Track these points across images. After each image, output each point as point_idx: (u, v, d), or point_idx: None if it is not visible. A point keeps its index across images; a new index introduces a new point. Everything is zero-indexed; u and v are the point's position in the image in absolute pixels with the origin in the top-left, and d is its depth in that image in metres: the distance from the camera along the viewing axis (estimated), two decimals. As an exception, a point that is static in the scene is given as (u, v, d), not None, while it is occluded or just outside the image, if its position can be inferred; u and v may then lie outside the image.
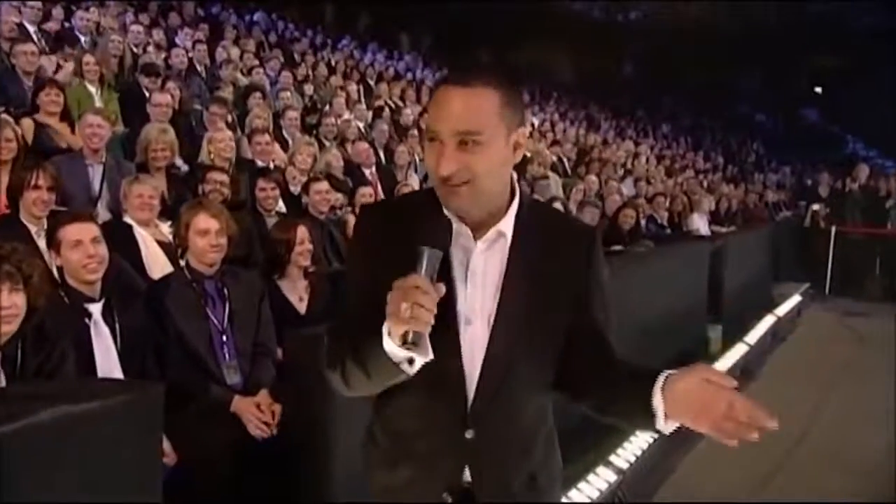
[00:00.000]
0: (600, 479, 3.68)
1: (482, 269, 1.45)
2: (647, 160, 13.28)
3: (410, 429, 1.49)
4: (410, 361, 1.33)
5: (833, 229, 10.09)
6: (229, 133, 5.62)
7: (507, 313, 1.43)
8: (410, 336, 1.30)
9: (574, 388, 1.50)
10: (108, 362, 2.66)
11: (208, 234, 3.20)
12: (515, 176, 1.51)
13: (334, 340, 1.46)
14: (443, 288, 1.33)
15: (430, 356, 1.32)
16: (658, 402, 1.31)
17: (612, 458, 3.89)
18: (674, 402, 1.30)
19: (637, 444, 4.08)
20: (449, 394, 1.44)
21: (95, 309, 2.73)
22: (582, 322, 1.49)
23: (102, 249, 2.73)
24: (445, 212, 1.43)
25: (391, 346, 1.31)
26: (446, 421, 1.45)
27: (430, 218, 1.41)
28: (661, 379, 1.32)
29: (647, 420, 1.33)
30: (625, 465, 3.87)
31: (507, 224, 1.45)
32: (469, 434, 1.45)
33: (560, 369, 1.50)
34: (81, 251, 2.64)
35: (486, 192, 1.39)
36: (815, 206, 10.78)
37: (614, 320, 1.55)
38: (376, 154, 7.61)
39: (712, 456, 4.30)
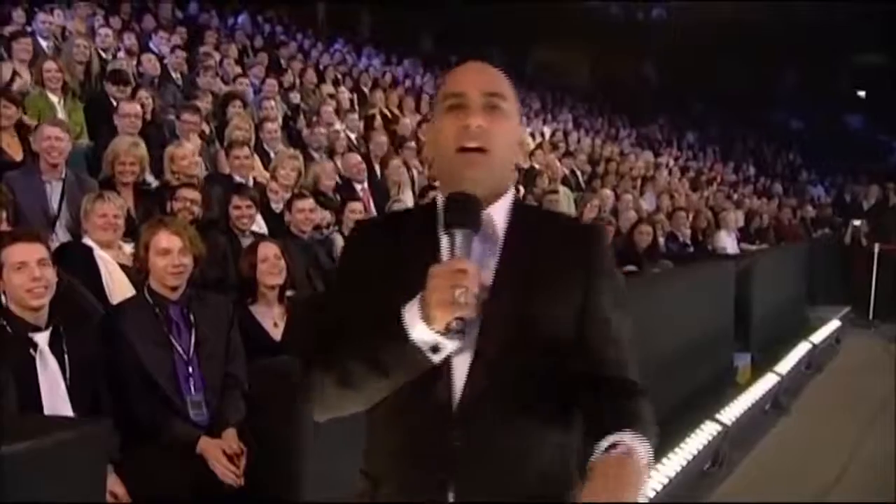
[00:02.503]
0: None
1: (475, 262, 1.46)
2: (670, 172, 13.29)
3: (394, 444, 1.50)
4: (434, 350, 1.37)
5: (876, 247, 10.04)
6: (191, 147, 5.61)
7: (497, 311, 1.43)
8: (455, 324, 1.34)
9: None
10: (55, 397, 2.66)
11: (170, 253, 3.21)
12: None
13: (323, 358, 1.47)
14: (488, 276, 1.42)
15: (461, 342, 1.37)
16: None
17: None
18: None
19: (664, 472, 4.07)
20: (435, 396, 1.44)
21: (41, 338, 2.73)
22: (583, 332, 1.48)
23: (49, 273, 2.73)
24: (440, 205, 1.50)
25: (421, 332, 1.35)
26: (430, 428, 1.45)
27: (418, 221, 1.53)
28: (601, 446, 1.35)
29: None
30: (651, 495, 3.86)
31: (498, 212, 1.50)
32: (456, 441, 1.43)
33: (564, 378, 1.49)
34: (26, 274, 2.65)
35: (499, 167, 1.50)
36: (857, 223, 10.74)
37: (625, 333, 1.52)
38: (370, 168, 7.65)
39: (742, 496, 4.28)
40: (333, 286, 1.64)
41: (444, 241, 1.44)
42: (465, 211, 1.43)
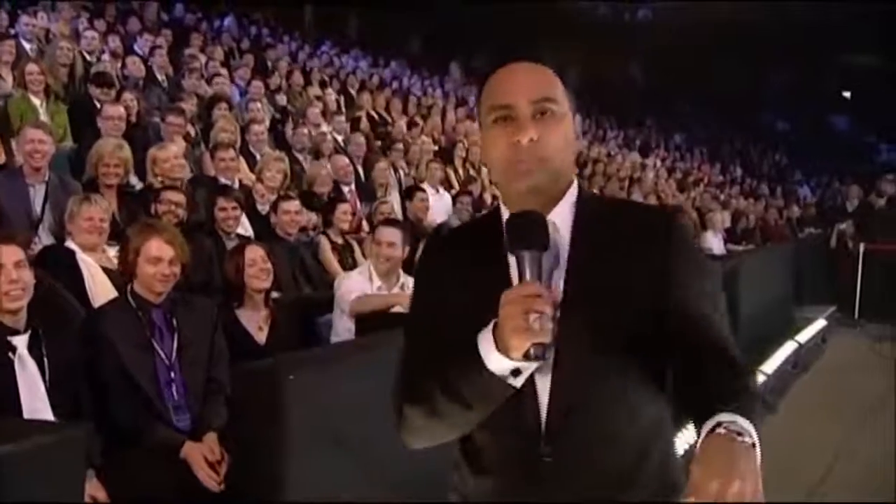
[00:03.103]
0: None
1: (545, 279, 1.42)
2: (657, 173, 13.34)
3: (485, 463, 1.46)
4: (515, 373, 1.33)
5: (861, 247, 10.09)
6: (175, 150, 5.58)
7: (571, 325, 1.36)
8: (533, 351, 1.29)
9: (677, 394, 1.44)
10: (34, 401, 2.64)
11: (160, 262, 3.18)
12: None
13: (409, 390, 1.44)
14: (559, 292, 1.36)
15: (542, 362, 1.32)
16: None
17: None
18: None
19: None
20: (521, 415, 1.40)
21: (20, 342, 2.70)
22: (673, 329, 1.39)
23: (27, 275, 2.71)
24: (504, 216, 1.44)
25: (497, 362, 1.31)
26: (520, 447, 1.41)
27: (484, 236, 1.46)
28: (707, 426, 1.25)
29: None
30: None
31: (560, 215, 1.44)
32: (546, 457, 1.39)
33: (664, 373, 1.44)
34: (2, 277, 2.63)
35: (557, 172, 1.41)
36: (842, 226, 10.77)
37: (718, 317, 1.43)
38: (355, 169, 7.64)
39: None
40: (411, 311, 1.55)
41: (513, 263, 1.38)
42: (530, 231, 1.36)
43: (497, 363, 1.31)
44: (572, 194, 1.46)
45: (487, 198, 8.73)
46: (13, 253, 2.68)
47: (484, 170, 9.91)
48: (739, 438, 1.19)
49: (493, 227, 1.47)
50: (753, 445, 1.21)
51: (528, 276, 1.33)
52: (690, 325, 1.39)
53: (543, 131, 1.38)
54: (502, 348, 1.30)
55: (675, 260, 1.41)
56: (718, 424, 1.21)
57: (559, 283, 1.40)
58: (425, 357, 1.43)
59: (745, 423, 1.22)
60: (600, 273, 1.39)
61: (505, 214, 1.45)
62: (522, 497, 1.41)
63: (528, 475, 1.40)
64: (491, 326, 1.32)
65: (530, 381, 1.37)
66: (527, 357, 1.30)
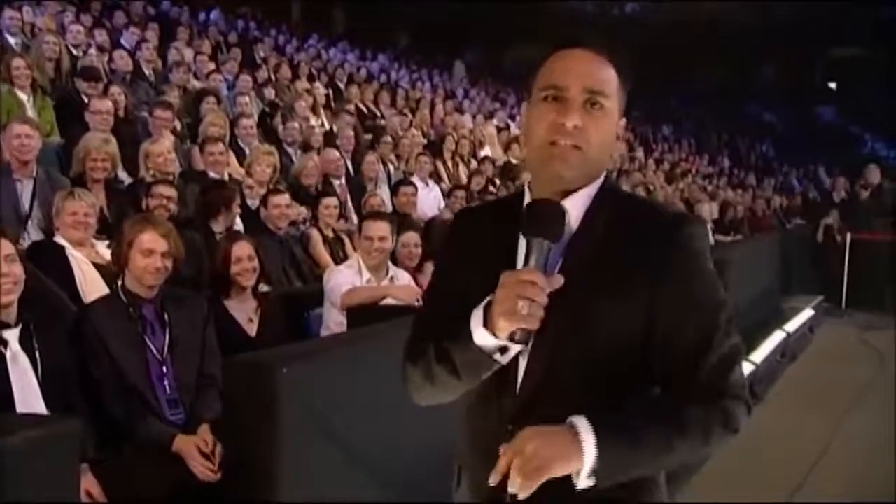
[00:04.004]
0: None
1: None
2: (645, 164, 13.37)
3: (470, 436, 1.53)
4: (502, 350, 1.37)
5: (848, 237, 10.15)
6: (167, 144, 5.55)
7: (555, 311, 1.37)
8: (518, 335, 1.34)
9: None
10: (27, 396, 2.63)
11: (153, 254, 3.17)
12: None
13: (414, 348, 1.51)
14: (560, 279, 1.37)
15: (526, 344, 1.37)
16: None
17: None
18: None
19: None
20: (502, 392, 1.45)
21: (11, 336, 2.69)
22: (652, 333, 1.40)
23: (17, 269, 2.70)
24: (527, 199, 1.48)
25: (482, 337, 1.36)
26: (496, 422, 1.45)
27: (506, 214, 1.50)
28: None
29: None
30: None
31: (575, 204, 1.44)
32: (514, 433, 1.40)
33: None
34: (-8, 271, 2.61)
35: (592, 164, 1.43)
36: (828, 220, 10.81)
37: (698, 334, 1.39)
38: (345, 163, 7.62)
39: (718, 486, 4.32)
40: (433, 277, 1.63)
41: (522, 246, 1.41)
42: (546, 220, 1.39)
43: (482, 338, 1.37)
44: (594, 186, 1.47)
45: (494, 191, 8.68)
46: (3, 247, 2.66)
47: (473, 164, 9.93)
48: (572, 432, 1.30)
49: (514, 208, 1.51)
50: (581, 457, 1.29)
51: (532, 262, 1.37)
52: (677, 331, 1.39)
53: (589, 121, 1.40)
54: (490, 326, 1.35)
55: (676, 264, 1.41)
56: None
57: (555, 269, 1.41)
58: (431, 322, 1.49)
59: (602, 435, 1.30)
60: (595, 263, 1.41)
61: (528, 197, 1.50)
62: (491, 463, 1.39)
63: (496, 445, 1.40)
64: (485, 303, 1.37)
65: (515, 359, 1.42)
66: (511, 339, 1.35)
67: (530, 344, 1.40)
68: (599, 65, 1.44)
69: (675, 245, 1.41)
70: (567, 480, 1.34)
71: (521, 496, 1.31)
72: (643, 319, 1.40)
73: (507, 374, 1.43)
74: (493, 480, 1.32)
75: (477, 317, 1.37)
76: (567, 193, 1.44)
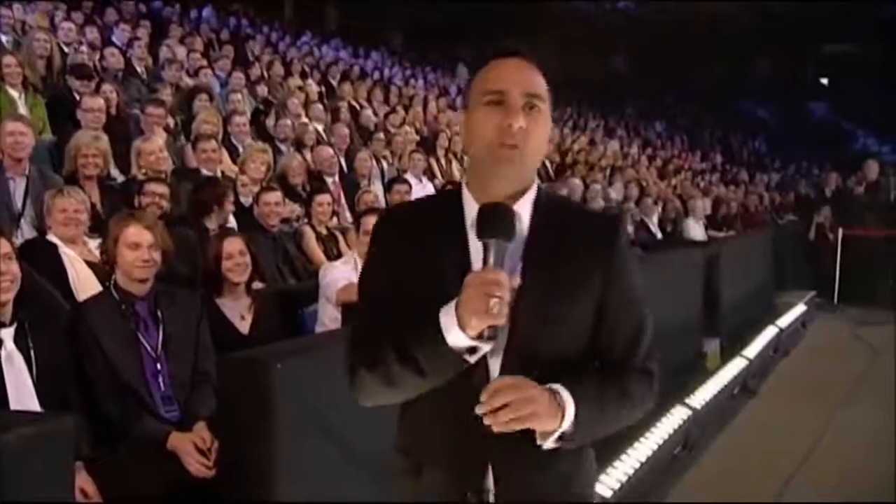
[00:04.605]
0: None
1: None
2: (638, 161, 13.38)
3: (432, 428, 1.58)
4: (471, 352, 1.44)
5: (840, 232, 10.18)
6: (160, 142, 5.53)
7: (524, 309, 1.49)
8: (487, 332, 1.41)
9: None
10: (22, 394, 2.62)
11: (140, 247, 3.17)
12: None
13: (364, 355, 1.54)
14: (517, 279, 1.46)
15: (495, 342, 1.44)
16: None
17: (612, 468, 3.95)
18: None
19: (635, 456, 4.14)
20: (474, 388, 1.48)
21: (6, 334, 2.69)
22: (601, 321, 1.56)
23: (14, 267, 2.69)
24: (467, 201, 1.56)
25: (457, 338, 1.42)
26: (464, 412, 1.49)
27: (445, 216, 1.57)
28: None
29: None
30: (623, 478, 3.93)
31: (524, 208, 1.55)
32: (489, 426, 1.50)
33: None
34: (-10, 269, 2.61)
35: (531, 164, 1.55)
36: (819, 218, 10.84)
37: (638, 319, 1.60)
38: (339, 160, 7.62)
39: (712, 479, 4.33)
40: (367, 281, 1.65)
41: (478, 248, 1.48)
42: (500, 222, 1.47)
43: (455, 338, 1.42)
44: (534, 191, 1.58)
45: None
46: (1, 245, 2.65)
47: (466, 161, 9.91)
48: (553, 395, 1.44)
49: (454, 210, 1.58)
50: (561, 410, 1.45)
51: (491, 262, 1.43)
52: (622, 322, 1.57)
53: (530, 123, 1.50)
54: (462, 325, 1.42)
55: (618, 263, 1.56)
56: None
57: (517, 271, 1.50)
58: (383, 325, 1.52)
59: (568, 396, 1.46)
60: (553, 266, 1.53)
61: (468, 199, 1.57)
62: (467, 454, 1.53)
63: (469, 434, 1.50)
64: (453, 304, 1.43)
65: (483, 357, 1.49)
66: (480, 336, 1.42)
67: (501, 346, 1.48)
68: (533, 71, 1.55)
69: (617, 246, 1.58)
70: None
71: (496, 429, 1.42)
72: (594, 313, 1.55)
73: (475, 368, 1.49)
74: (480, 410, 1.41)
75: (449, 317, 1.43)
76: (513, 198, 1.54)
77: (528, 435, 1.49)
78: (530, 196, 1.57)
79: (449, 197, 1.63)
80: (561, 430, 1.46)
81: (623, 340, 1.58)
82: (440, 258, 1.53)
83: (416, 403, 1.58)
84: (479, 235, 1.46)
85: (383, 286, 1.58)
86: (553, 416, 1.44)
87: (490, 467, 1.54)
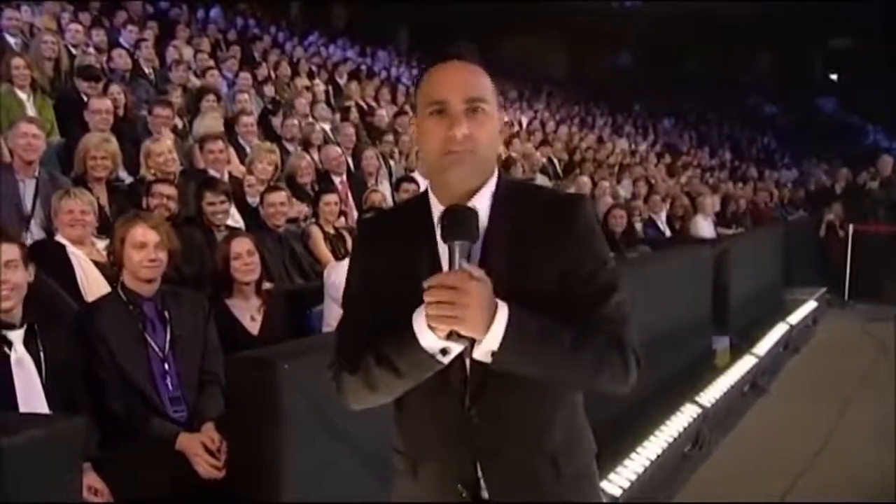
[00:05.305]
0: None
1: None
2: (647, 158, 13.35)
3: (420, 426, 1.62)
4: (443, 352, 1.47)
5: (851, 228, 10.12)
6: (168, 143, 5.53)
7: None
8: (456, 334, 1.44)
9: None
10: (31, 396, 2.63)
11: (146, 247, 3.19)
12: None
13: (347, 361, 1.58)
14: (478, 269, 1.46)
15: (467, 343, 1.46)
16: None
17: (621, 467, 3.95)
18: None
19: (645, 455, 4.12)
20: (451, 381, 1.55)
21: (15, 336, 2.70)
22: (572, 295, 1.55)
23: (17, 275, 2.67)
24: (433, 204, 1.59)
25: (430, 340, 1.45)
26: (449, 406, 1.56)
27: (416, 220, 1.61)
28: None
29: None
30: (633, 477, 3.92)
31: (480, 201, 1.57)
32: (474, 419, 1.55)
33: None
34: (-12, 275, 2.61)
35: (484, 162, 1.57)
36: (829, 216, 10.77)
37: (605, 291, 1.57)
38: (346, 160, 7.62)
39: (722, 477, 4.32)
40: (347, 286, 1.69)
41: (444, 251, 1.51)
42: (463, 224, 1.50)
43: (428, 341, 1.46)
44: (493, 182, 1.61)
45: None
46: (5, 252, 2.66)
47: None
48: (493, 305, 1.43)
49: (423, 214, 1.62)
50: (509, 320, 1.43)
51: (457, 264, 1.46)
52: (584, 301, 1.55)
53: (474, 126, 1.53)
54: (432, 328, 1.45)
55: (577, 244, 1.57)
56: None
57: (475, 262, 1.52)
58: (363, 329, 1.57)
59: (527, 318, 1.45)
60: (512, 253, 1.54)
61: (434, 203, 1.61)
62: (456, 449, 1.57)
63: (456, 427, 1.56)
64: (423, 307, 1.45)
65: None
66: (450, 337, 1.44)
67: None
68: (473, 72, 1.57)
69: (578, 223, 1.58)
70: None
71: (431, 323, 1.43)
72: (558, 284, 1.54)
73: (453, 365, 1.52)
74: (425, 285, 1.43)
75: (420, 320, 1.45)
76: (471, 194, 1.57)
77: (506, 419, 1.55)
78: (490, 187, 1.59)
79: (419, 201, 1.66)
80: (487, 344, 1.44)
81: (586, 302, 1.54)
82: (413, 261, 1.56)
83: (405, 403, 1.62)
84: (444, 239, 1.50)
85: (361, 290, 1.63)
86: (482, 322, 1.42)
87: (478, 461, 1.57)
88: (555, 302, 1.52)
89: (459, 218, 1.50)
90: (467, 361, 1.53)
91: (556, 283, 1.54)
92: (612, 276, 1.58)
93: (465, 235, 1.49)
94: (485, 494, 1.57)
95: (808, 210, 12.49)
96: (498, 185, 1.61)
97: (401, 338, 1.48)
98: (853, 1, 18.58)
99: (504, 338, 1.43)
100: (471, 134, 1.52)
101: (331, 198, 5.83)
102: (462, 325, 1.41)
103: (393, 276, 1.56)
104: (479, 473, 1.57)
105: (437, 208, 1.59)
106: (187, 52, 9.23)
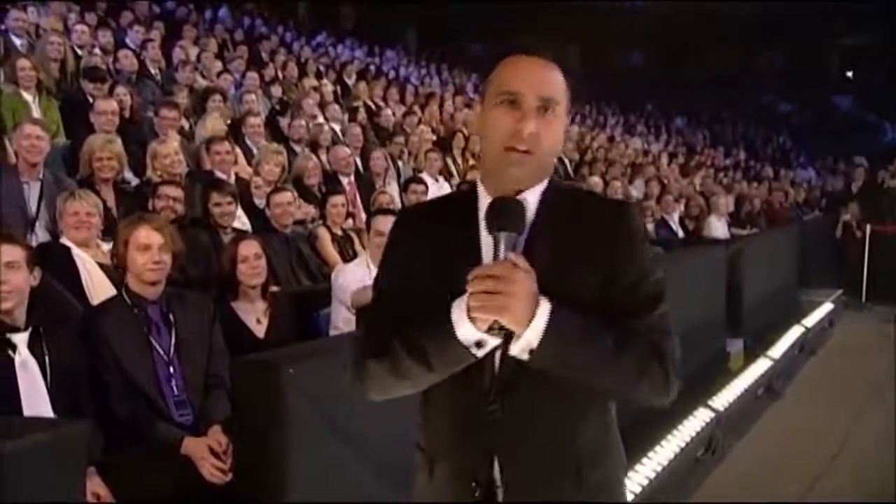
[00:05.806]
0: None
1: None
2: (659, 158, 13.31)
3: (442, 423, 1.60)
4: (478, 345, 1.45)
5: (868, 228, 10.06)
6: (175, 144, 5.54)
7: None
8: (497, 324, 1.43)
9: None
10: (35, 399, 2.64)
11: (150, 249, 3.19)
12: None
13: (375, 347, 1.55)
14: (522, 258, 1.45)
15: (503, 337, 1.45)
16: None
17: (634, 471, 3.94)
18: None
19: (657, 460, 4.12)
20: (477, 375, 1.52)
21: (20, 339, 2.71)
22: (612, 302, 1.53)
23: (18, 277, 2.68)
24: (481, 196, 1.58)
25: (467, 331, 1.44)
26: (474, 404, 1.53)
27: (459, 212, 1.59)
28: None
29: None
30: (644, 482, 3.92)
31: (529, 196, 1.56)
32: (495, 413, 1.52)
33: None
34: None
35: (544, 164, 1.56)
36: (846, 216, 10.71)
37: (650, 299, 1.54)
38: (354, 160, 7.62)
39: (736, 481, 4.30)
40: (382, 276, 1.67)
41: (489, 241, 1.50)
42: (509, 216, 1.49)
43: (465, 333, 1.44)
44: (545, 182, 1.59)
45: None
46: (5, 253, 2.67)
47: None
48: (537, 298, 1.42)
49: (468, 206, 1.60)
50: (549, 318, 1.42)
51: (501, 255, 1.46)
52: (626, 310, 1.52)
53: (542, 126, 1.51)
54: (472, 319, 1.44)
55: (621, 251, 1.54)
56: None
57: (519, 250, 1.50)
58: (394, 318, 1.54)
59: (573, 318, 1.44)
60: (555, 252, 1.52)
61: (482, 195, 1.59)
62: (473, 445, 1.55)
63: (477, 423, 1.54)
64: (464, 298, 1.44)
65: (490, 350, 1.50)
66: (490, 329, 1.44)
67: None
68: (551, 71, 1.54)
69: (624, 227, 1.56)
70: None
71: (474, 313, 1.42)
72: (599, 288, 1.52)
73: (483, 362, 1.50)
74: (471, 275, 1.42)
75: (460, 310, 1.44)
76: (521, 190, 1.55)
77: (532, 420, 1.52)
78: (541, 186, 1.58)
79: (465, 193, 1.65)
80: (526, 339, 1.42)
81: (628, 311, 1.52)
82: (452, 253, 1.54)
83: (430, 399, 1.61)
84: (489, 229, 1.49)
85: (397, 281, 1.61)
86: (525, 313, 1.41)
87: (496, 459, 1.54)
88: (594, 306, 1.50)
89: (508, 209, 1.49)
90: (496, 357, 1.51)
91: (597, 288, 1.52)
92: (657, 288, 1.56)
93: (511, 227, 1.48)
94: (499, 496, 1.54)
95: (824, 210, 12.42)
96: (549, 185, 1.60)
97: (436, 327, 1.46)
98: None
99: (545, 333, 1.42)
100: (538, 133, 1.50)
101: (338, 199, 5.84)
102: (506, 314, 1.40)
103: (432, 267, 1.55)
104: (497, 473, 1.54)
105: (484, 200, 1.57)
106: (194, 53, 9.25)
